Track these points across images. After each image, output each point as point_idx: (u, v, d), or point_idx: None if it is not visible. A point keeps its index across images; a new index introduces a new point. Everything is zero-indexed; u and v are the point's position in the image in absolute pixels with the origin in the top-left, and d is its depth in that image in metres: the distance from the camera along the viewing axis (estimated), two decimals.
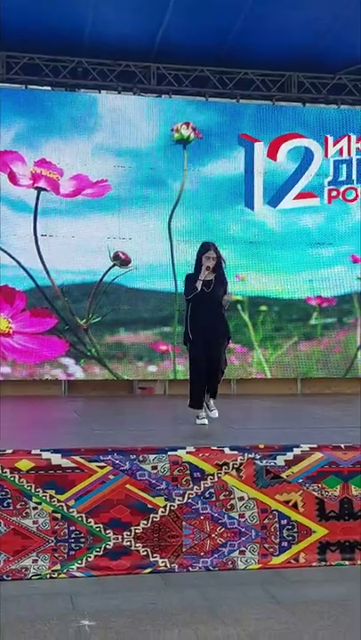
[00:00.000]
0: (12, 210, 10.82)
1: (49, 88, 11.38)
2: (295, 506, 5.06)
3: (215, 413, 7.53)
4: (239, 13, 10.26)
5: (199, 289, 7.33)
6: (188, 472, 4.97)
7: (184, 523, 4.93)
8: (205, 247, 7.52)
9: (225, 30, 10.61)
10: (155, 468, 4.94)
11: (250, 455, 5.06)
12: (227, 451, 5.10)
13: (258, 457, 5.06)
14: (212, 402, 7.56)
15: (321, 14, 10.33)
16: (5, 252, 10.82)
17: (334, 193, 11.84)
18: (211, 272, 7.38)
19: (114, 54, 11.09)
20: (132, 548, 4.87)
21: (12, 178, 10.80)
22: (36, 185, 10.87)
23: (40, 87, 11.29)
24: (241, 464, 5.03)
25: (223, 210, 11.53)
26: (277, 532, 5.02)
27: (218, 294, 7.43)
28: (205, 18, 10.27)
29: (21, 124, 10.90)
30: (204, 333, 7.38)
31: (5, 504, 4.77)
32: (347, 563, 5.04)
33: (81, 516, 4.84)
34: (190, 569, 4.87)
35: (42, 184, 10.87)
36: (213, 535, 4.95)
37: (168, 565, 4.87)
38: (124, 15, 10.16)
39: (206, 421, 7.42)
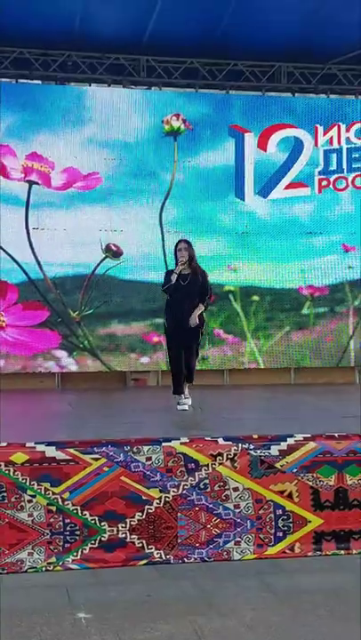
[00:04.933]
0: (3, 203, 10.80)
1: (39, 82, 11.36)
2: (290, 496, 5.06)
3: (189, 401, 8.08)
4: (228, 5, 10.23)
5: (174, 281, 7.94)
6: (182, 463, 4.97)
7: (179, 514, 4.94)
8: (177, 243, 8.29)
9: (214, 22, 10.58)
10: (149, 459, 4.94)
11: (244, 445, 5.07)
12: (221, 441, 5.10)
13: (252, 447, 5.07)
14: (186, 390, 8.10)
15: (309, 4, 10.31)
16: None
17: (325, 182, 11.85)
18: (187, 266, 8.00)
19: (103, 47, 11.07)
20: (128, 539, 4.87)
21: (4, 171, 10.78)
22: (27, 178, 10.86)
23: (30, 81, 11.26)
24: (235, 454, 5.03)
25: (214, 201, 11.53)
26: (273, 523, 5.03)
27: (194, 289, 8.01)
28: (194, 9, 10.26)
29: (12, 118, 10.87)
30: (179, 324, 7.99)
31: (0, 497, 4.77)
32: (342, 552, 5.05)
33: (76, 509, 4.84)
34: (185, 560, 4.88)
35: (33, 177, 10.86)
36: (209, 526, 4.96)
37: (163, 557, 4.88)
38: (113, 8, 10.14)
39: (187, 407, 7.98)
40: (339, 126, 11.89)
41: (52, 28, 10.44)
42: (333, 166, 11.90)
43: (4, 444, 4.91)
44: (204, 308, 8.18)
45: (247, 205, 11.66)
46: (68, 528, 4.83)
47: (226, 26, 10.66)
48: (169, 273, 8.21)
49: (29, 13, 10.08)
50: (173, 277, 7.99)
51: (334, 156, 11.91)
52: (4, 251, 10.83)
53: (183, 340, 8.06)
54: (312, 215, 11.84)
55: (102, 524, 4.86)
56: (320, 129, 11.82)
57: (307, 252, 11.81)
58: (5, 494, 4.77)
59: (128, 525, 4.88)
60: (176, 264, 8.16)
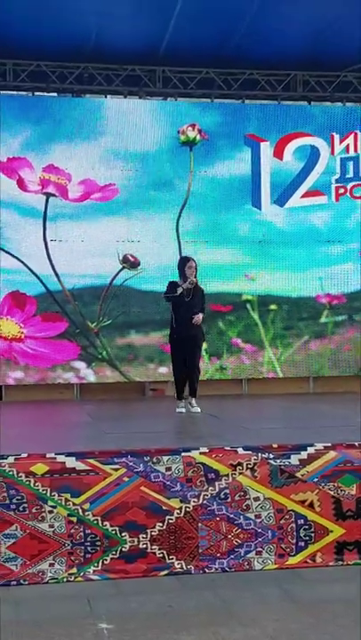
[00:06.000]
0: (21, 216, 10.85)
1: (55, 94, 11.41)
2: (311, 505, 5.05)
3: (197, 409, 8.63)
4: (243, 15, 10.24)
5: (178, 293, 8.56)
6: (202, 473, 4.97)
7: (200, 524, 4.93)
8: (186, 259, 8.90)
9: (229, 32, 10.60)
10: (169, 469, 4.94)
11: (264, 455, 5.06)
12: (240, 451, 5.09)
13: (272, 457, 5.06)
14: (193, 400, 8.70)
15: (324, 12, 10.29)
16: (16, 257, 10.85)
17: (342, 190, 11.82)
18: (192, 282, 8.60)
19: (119, 59, 11.10)
20: (148, 550, 4.88)
21: (21, 184, 10.83)
22: (44, 190, 10.90)
23: (46, 94, 11.32)
24: (255, 464, 5.02)
25: (231, 210, 11.53)
26: (294, 533, 5.01)
27: (195, 303, 8.59)
28: (210, 20, 10.27)
29: (29, 131, 10.92)
30: (182, 336, 8.63)
31: (21, 508, 4.78)
32: None
33: (96, 519, 4.85)
34: (207, 570, 4.87)
35: (50, 189, 10.90)
36: (230, 536, 4.95)
37: (184, 567, 4.87)
38: (128, 20, 10.17)
39: (184, 410, 8.67)
40: (355, 134, 11.86)
41: (67, 40, 10.49)
42: (350, 174, 11.88)
43: (25, 455, 4.93)
44: (203, 315, 8.79)
45: (264, 214, 11.65)
46: (88, 539, 4.84)
47: (241, 36, 10.67)
48: (173, 283, 8.77)
49: (45, 27, 10.12)
50: (179, 290, 8.59)
51: (351, 163, 11.89)
52: (23, 263, 10.87)
53: (185, 353, 8.71)
54: (329, 223, 11.81)
55: (123, 534, 4.86)
56: (336, 137, 11.80)
57: (324, 261, 11.78)
58: (26, 505, 4.79)
59: (149, 536, 4.88)
60: (181, 278, 8.76)
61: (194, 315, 8.62)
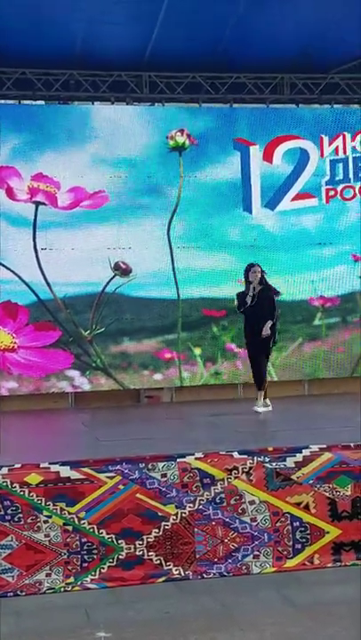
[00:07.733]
0: (11, 225, 10.82)
1: (42, 102, 11.40)
2: (307, 507, 5.02)
3: (257, 408, 9.35)
4: (229, 18, 10.26)
5: (249, 303, 9.29)
6: (197, 478, 4.94)
7: (196, 529, 4.90)
8: (250, 265, 9.46)
9: (216, 36, 10.61)
10: (164, 475, 4.91)
11: (259, 458, 5.03)
12: (236, 455, 5.06)
13: (267, 460, 5.03)
14: (259, 395, 9.47)
15: (310, 15, 10.33)
16: (6, 267, 10.83)
17: (332, 192, 11.83)
18: (257, 285, 9.30)
19: (105, 65, 11.10)
20: (145, 557, 4.84)
21: (10, 193, 10.81)
22: (33, 199, 10.88)
23: (33, 102, 11.31)
24: (250, 468, 5.00)
25: (222, 215, 11.52)
26: (290, 535, 4.98)
27: (260, 307, 9.22)
28: (196, 24, 10.28)
29: (16, 140, 10.91)
30: (250, 339, 9.55)
31: (16, 519, 4.75)
32: None
33: (92, 528, 4.81)
34: (204, 576, 4.83)
35: (40, 198, 10.88)
36: (226, 540, 4.92)
37: (182, 573, 4.84)
38: (114, 26, 10.17)
39: (260, 410, 9.33)
40: (344, 136, 11.87)
41: (53, 47, 10.48)
42: (340, 176, 11.88)
43: (18, 466, 4.90)
44: (272, 322, 9.35)
45: (255, 218, 11.64)
46: (85, 547, 4.81)
47: (227, 39, 10.68)
48: (240, 295, 9.51)
49: (30, 34, 10.13)
50: (248, 299, 9.33)
51: (341, 165, 11.89)
52: (13, 272, 10.84)
53: (252, 350, 9.56)
54: (320, 226, 11.81)
55: (119, 541, 4.83)
56: (325, 139, 11.80)
57: (316, 263, 11.78)
58: (21, 515, 4.76)
59: (145, 542, 4.85)
60: (246, 287, 9.43)
61: (258, 318, 9.20)
